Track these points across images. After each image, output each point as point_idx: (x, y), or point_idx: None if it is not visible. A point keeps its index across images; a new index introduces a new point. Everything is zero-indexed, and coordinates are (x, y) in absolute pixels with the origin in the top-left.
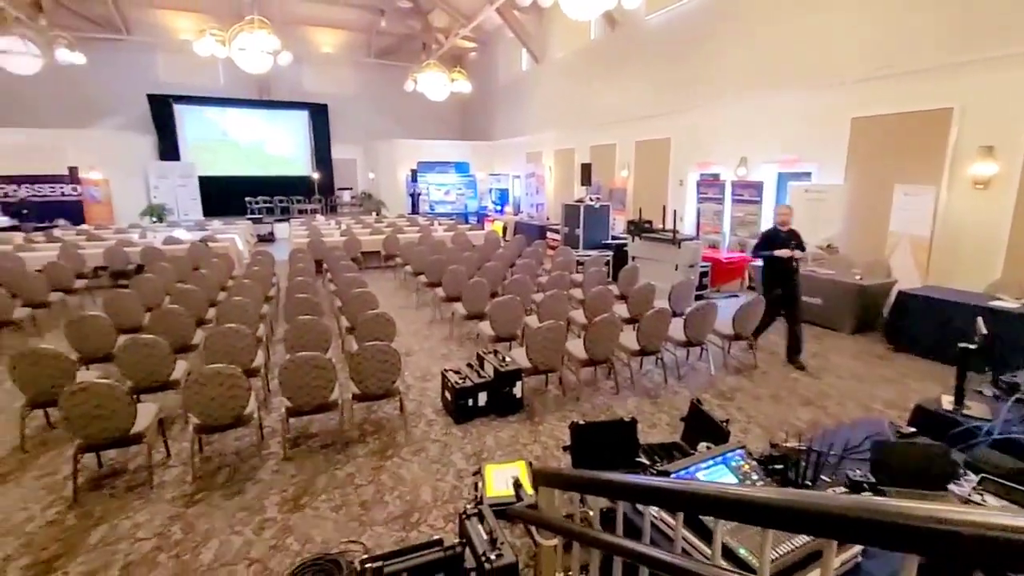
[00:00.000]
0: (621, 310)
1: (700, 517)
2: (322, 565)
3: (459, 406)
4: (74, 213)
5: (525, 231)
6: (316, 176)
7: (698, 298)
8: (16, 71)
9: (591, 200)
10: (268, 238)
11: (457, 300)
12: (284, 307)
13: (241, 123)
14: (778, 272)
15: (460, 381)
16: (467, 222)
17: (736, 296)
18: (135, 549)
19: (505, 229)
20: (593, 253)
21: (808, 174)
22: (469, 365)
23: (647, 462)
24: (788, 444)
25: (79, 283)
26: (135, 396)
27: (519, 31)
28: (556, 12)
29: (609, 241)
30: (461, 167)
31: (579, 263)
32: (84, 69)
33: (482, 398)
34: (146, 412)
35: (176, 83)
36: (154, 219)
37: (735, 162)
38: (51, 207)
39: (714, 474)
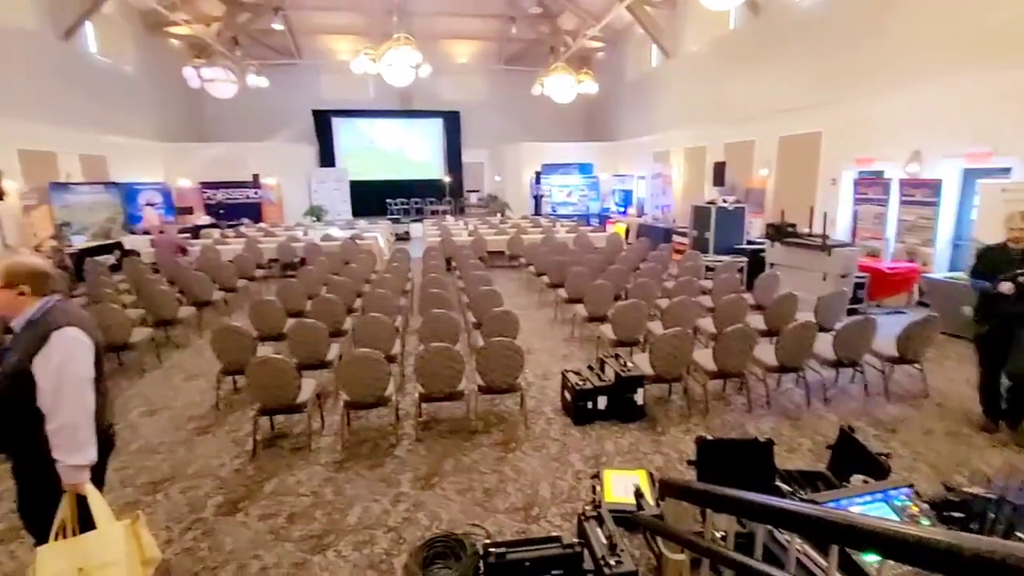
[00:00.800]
0: (756, 321)
1: (855, 559)
2: (448, 543)
3: (579, 408)
4: (254, 213)
5: (649, 234)
6: (447, 179)
7: (851, 312)
8: (219, 96)
9: (724, 201)
10: (404, 237)
11: (579, 302)
12: (418, 301)
13: (385, 132)
14: (997, 304)
15: (580, 383)
16: (589, 224)
17: (902, 312)
18: (298, 502)
19: (628, 231)
20: (725, 258)
21: (1006, 170)
22: (590, 367)
23: (787, 488)
24: (970, 490)
25: (258, 272)
26: (299, 371)
27: (649, 27)
28: (691, 3)
29: (744, 246)
30: (584, 168)
31: (709, 269)
32: (266, 91)
33: (602, 402)
34: (307, 386)
35: (335, 99)
36: (314, 219)
37: (905, 157)
38: (238, 208)
39: (872, 512)
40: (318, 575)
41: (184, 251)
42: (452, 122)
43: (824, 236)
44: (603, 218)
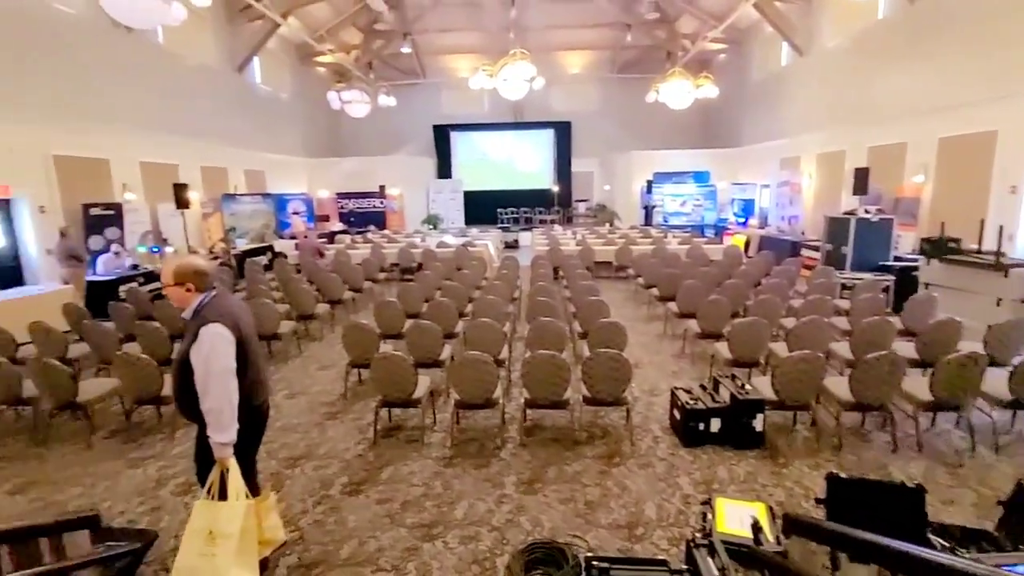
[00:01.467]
0: (906, 349)
1: None
2: (550, 550)
3: (689, 428)
4: (379, 220)
5: (773, 247)
6: (556, 189)
7: None
8: (354, 115)
9: (866, 212)
10: (513, 245)
11: (691, 317)
12: (526, 308)
13: (497, 144)
14: None
15: (691, 402)
16: (704, 235)
17: None
18: (410, 492)
19: (748, 244)
20: (866, 276)
21: None
22: (702, 387)
23: (943, 544)
24: None
25: (381, 275)
26: (416, 368)
27: (780, 23)
28: None
29: (890, 263)
30: (700, 176)
31: (845, 287)
32: (393, 108)
33: (715, 424)
34: (422, 383)
35: (453, 114)
36: (431, 227)
37: None
38: (366, 216)
39: None
40: (427, 562)
41: (321, 254)
42: (563, 132)
43: (999, 253)
44: (720, 229)
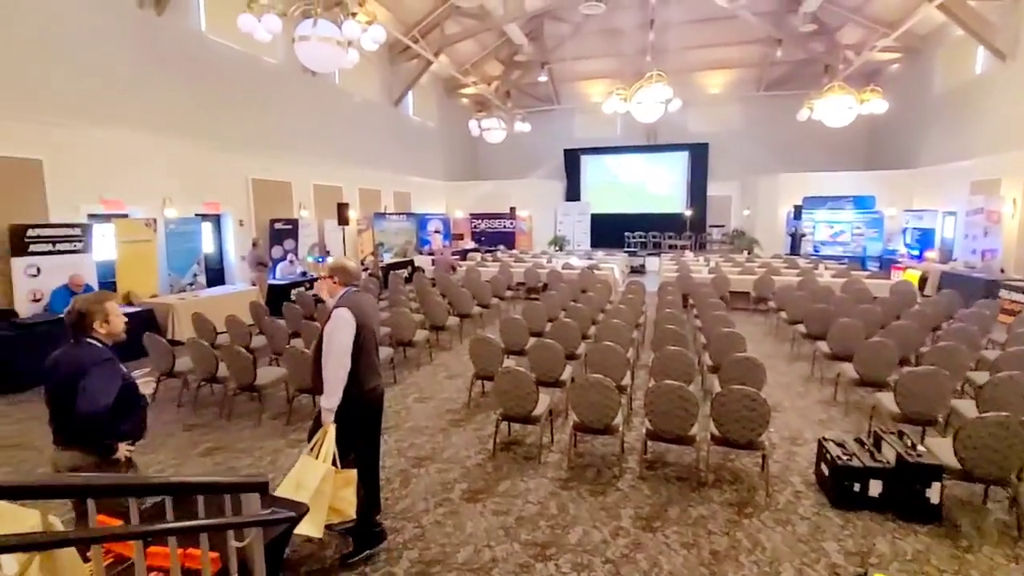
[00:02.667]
0: None
1: None
2: None
3: (841, 487)
4: (509, 240)
5: (959, 285)
6: (688, 213)
7: None
8: (491, 141)
9: None
10: (639, 270)
11: (846, 360)
12: (651, 336)
13: (629, 167)
14: None
15: (845, 457)
16: (865, 268)
17: None
18: (526, 508)
19: (924, 280)
20: None
21: None
22: (859, 441)
23: None
24: None
25: (508, 293)
26: (537, 386)
27: (975, 25)
28: None
29: None
30: (862, 201)
31: None
32: (527, 133)
33: (875, 487)
34: (543, 401)
35: (585, 138)
36: (557, 248)
37: None
38: (496, 236)
39: None
40: None
41: (454, 270)
42: (699, 154)
43: None
44: (886, 262)
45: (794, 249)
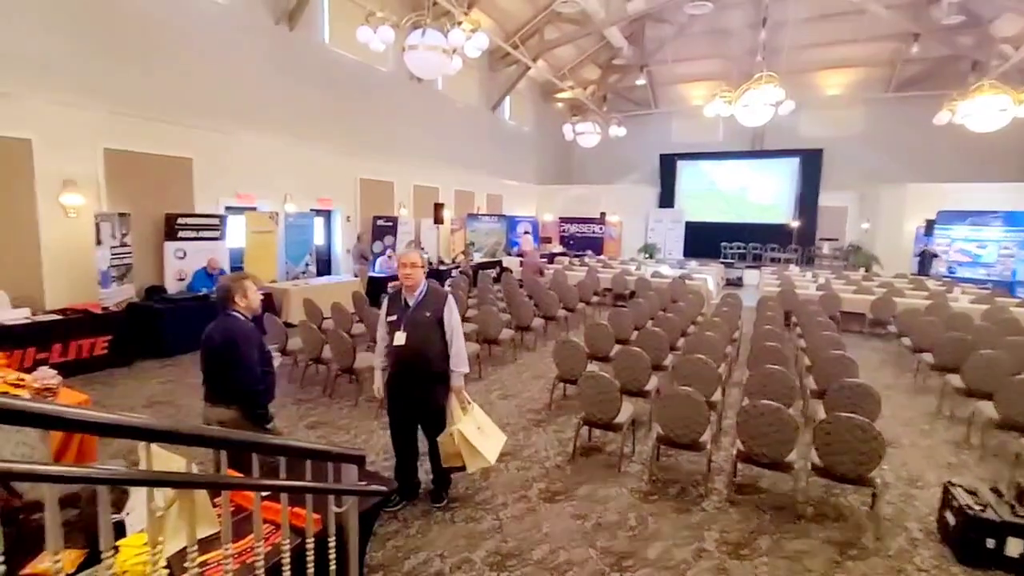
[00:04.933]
0: None
1: None
2: None
3: (968, 540)
4: (597, 246)
5: None
6: (795, 224)
7: None
8: (585, 145)
9: None
10: (736, 283)
11: (986, 398)
12: (748, 353)
13: (729, 173)
14: None
15: (977, 508)
16: (1014, 294)
17: None
18: (604, 515)
19: None
20: None
21: None
22: (995, 491)
23: None
24: None
25: (594, 298)
26: (620, 394)
27: None
28: None
29: None
30: (1014, 217)
31: None
32: (622, 138)
33: (1014, 546)
34: (626, 409)
35: (683, 143)
36: (647, 255)
37: None
38: (585, 240)
39: None
40: None
41: (542, 273)
42: (811, 161)
43: None
44: None
45: (923, 269)
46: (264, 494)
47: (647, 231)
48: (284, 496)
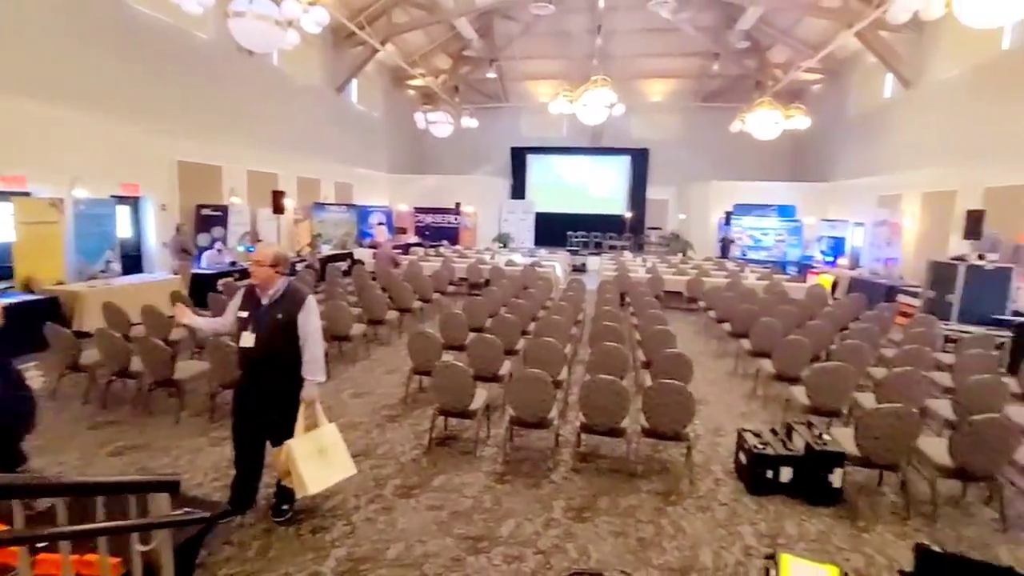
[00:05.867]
0: (1022, 415)
1: None
2: None
3: (756, 475)
4: (453, 236)
5: (865, 290)
6: (629, 215)
7: None
8: (438, 135)
9: (980, 259)
10: (581, 269)
11: (766, 356)
12: (590, 332)
13: (573, 168)
14: None
15: (760, 447)
16: (785, 272)
17: None
18: (460, 502)
19: (835, 285)
20: (975, 330)
21: None
22: (773, 431)
23: None
24: None
25: (449, 288)
26: (475, 381)
27: (885, 54)
28: (944, 25)
29: (1007, 317)
30: (785, 211)
31: (949, 340)
32: (474, 130)
33: (786, 474)
34: (480, 396)
35: (531, 137)
36: (500, 245)
37: None
38: (440, 231)
39: None
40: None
41: (397, 264)
42: (640, 159)
43: None
44: (804, 267)
45: (724, 253)
46: (40, 544)
47: (501, 221)
48: (66, 544)
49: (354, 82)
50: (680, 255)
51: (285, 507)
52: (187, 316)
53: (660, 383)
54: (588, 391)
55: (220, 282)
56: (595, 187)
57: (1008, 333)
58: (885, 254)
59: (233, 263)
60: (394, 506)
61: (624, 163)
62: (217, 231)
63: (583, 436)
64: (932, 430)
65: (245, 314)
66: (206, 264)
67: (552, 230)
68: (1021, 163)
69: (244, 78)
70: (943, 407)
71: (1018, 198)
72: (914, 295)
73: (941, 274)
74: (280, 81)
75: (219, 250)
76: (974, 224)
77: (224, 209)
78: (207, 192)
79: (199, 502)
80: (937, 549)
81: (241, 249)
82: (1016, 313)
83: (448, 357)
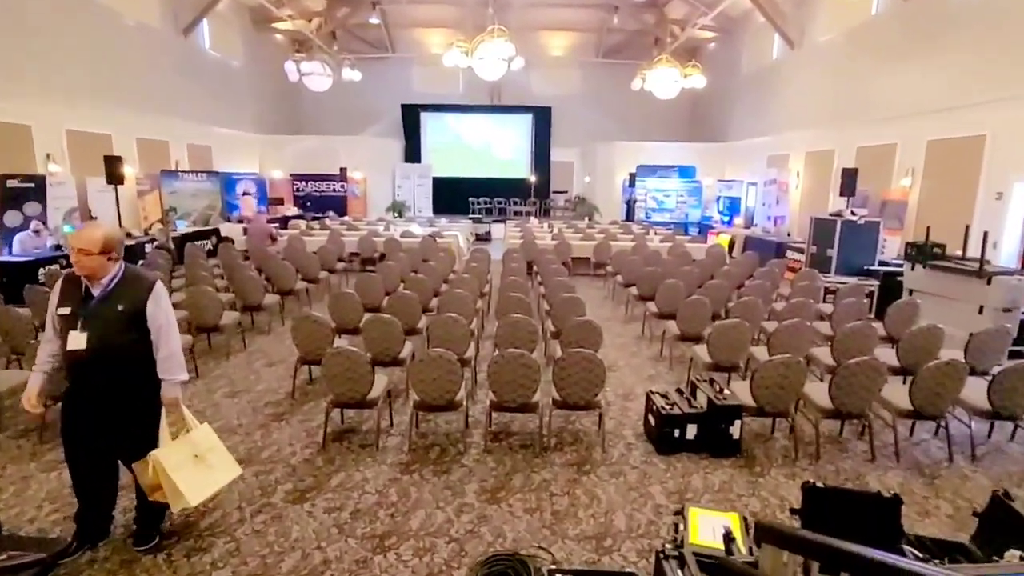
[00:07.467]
0: (887, 356)
1: None
2: (511, 562)
3: (663, 435)
4: (340, 206)
5: (758, 247)
6: (533, 179)
7: (1015, 355)
8: (315, 89)
9: (852, 214)
10: (485, 237)
11: (671, 318)
12: (496, 305)
13: (473, 127)
14: None
15: (667, 407)
16: (687, 233)
17: None
18: (362, 499)
19: (732, 244)
20: (850, 280)
21: None
22: (679, 391)
23: (917, 555)
24: None
25: (339, 265)
26: (373, 366)
27: (772, 14)
28: None
29: (875, 267)
30: (685, 172)
31: (829, 291)
32: (358, 84)
33: (691, 431)
34: (379, 382)
35: (425, 93)
36: (396, 214)
37: None
38: (325, 200)
39: None
40: None
41: (274, 240)
42: (542, 118)
43: (983, 260)
44: (704, 228)
45: (629, 216)
46: None
47: (395, 188)
48: None
49: (204, 23)
50: (587, 220)
51: (152, 533)
52: (36, 388)
53: (570, 353)
54: (497, 367)
55: (41, 271)
56: (498, 149)
57: (875, 282)
58: (775, 213)
59: (59, 246)
60: (285, 514)
61: (526, 122)
62: (32, 208)
63: (494, 415)
64: (816, 376)
65: (67, 310)
66: (19, 250)
67: (452, 197)
68: (886, 124)
69: (54, 14)
70: (824, 354)
71: (884, 156)
72: (800, 251)
73: (822, 229)
74: (104, 19)
75: (36, 231)
76: (849, 182)
77: (40, 180)
78: (12, 159)
79: (32, 541)
80: (819, 484)
81: (68, 229)
82: (882, 264)
83: (341, 342)
